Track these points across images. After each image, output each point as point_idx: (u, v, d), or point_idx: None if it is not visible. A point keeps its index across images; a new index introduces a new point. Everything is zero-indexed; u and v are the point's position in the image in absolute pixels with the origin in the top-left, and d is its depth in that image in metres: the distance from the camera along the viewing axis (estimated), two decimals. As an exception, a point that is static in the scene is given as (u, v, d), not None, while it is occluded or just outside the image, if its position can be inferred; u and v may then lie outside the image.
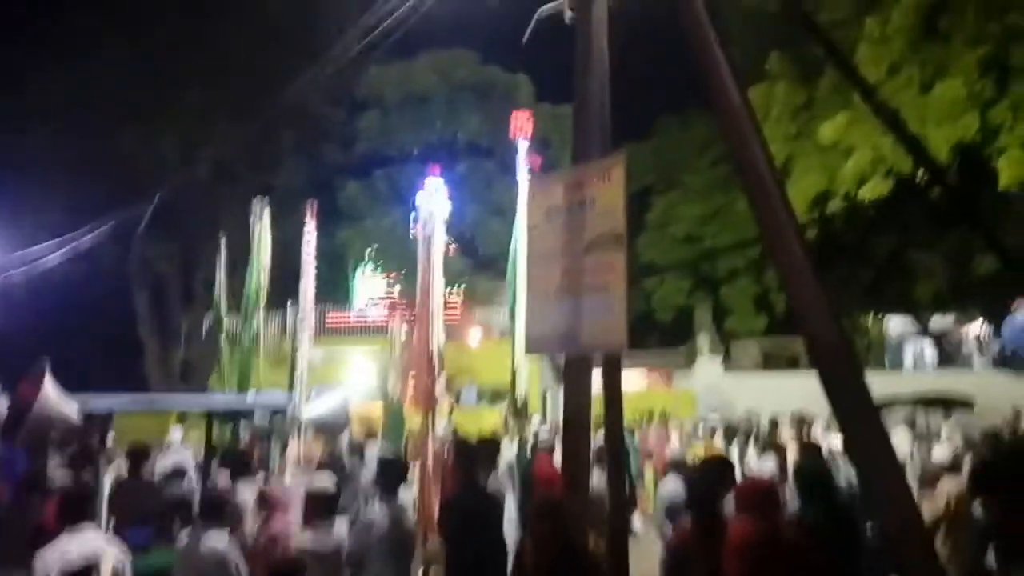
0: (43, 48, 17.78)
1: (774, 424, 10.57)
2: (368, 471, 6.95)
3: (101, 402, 6.77)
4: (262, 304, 10.13)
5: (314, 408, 7.95)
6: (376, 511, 4.61)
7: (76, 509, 4.02)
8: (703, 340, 18.71)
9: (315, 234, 9.78)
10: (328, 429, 7.92)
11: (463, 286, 18.79)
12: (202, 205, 18.16)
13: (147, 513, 5.31)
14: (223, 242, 13.68)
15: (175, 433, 9.41)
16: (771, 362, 18.72)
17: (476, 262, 20.98)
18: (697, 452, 9.27)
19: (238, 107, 17.78)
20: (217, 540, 4.19)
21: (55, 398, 6.02)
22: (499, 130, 19.11)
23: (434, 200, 9.17)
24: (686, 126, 23.59)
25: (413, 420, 10.43)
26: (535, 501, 4.37)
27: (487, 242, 20.93)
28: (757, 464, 7.64)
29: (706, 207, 22.19)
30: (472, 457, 5.23)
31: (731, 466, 4.44)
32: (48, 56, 17.67)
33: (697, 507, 3.94)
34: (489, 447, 5.92)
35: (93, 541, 3.95)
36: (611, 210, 3.65)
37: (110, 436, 7.65)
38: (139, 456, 6.87)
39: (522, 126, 10.28)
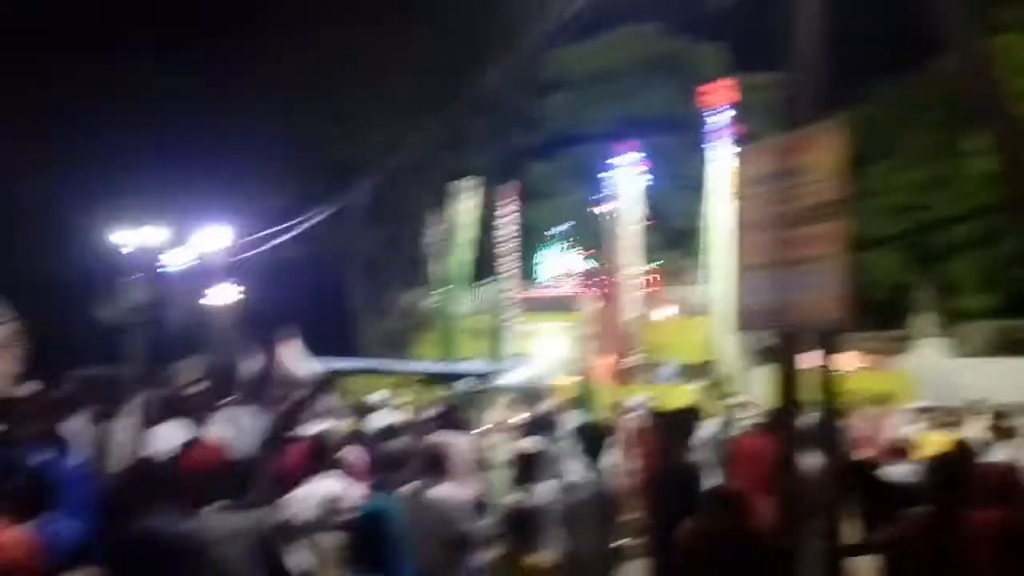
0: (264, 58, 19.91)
1: (1005, 413, 9.52)
2: (566, 439, 7.20)
3: (334, 365, 7.60)
4: (465, 279, 10.74)
5: (514, 376, 8.35)
6: (579, 474, 4.80)
7: (321, 456, 4.59)
8: (923, 321, 17.10)
9: (516, 213, 10.22)
10: (527, 397, 8.28)
11: (655, 262, 18.64)
12: (406, 190, 19.55)
13: (363, 464, 5.88)
14: (426, 223, 14.60)
15: (383, 395, 10.25)
16: (1006, 346, 16.72)
17: (667, 238, 20.68)
18: (920, 440, 8.57)
19: (436, 100, 18.91)
20: (440, 491, 4.58)
21: (298, 360, 6.86)
22: (688, 103, 18.62)
23: (626, 176, 9.14)
24: (902, 88, 21.54)
25: (606, 394, 10.64)
26: (714, 489, 4.30)
27: (678, 217, 20.55)
28: (990, 454, 6.95)
29: (927, 174, 20.14)
30: (669, 429, 5.26)
31: (972, 454, 4.11)
32: (267, 65, 19.79)
33: (934, 496, 3.67)
34: (684, 419, 5.90)
35: (336, 484, 4.48)
36: (829, 177, 3.51)
37: (336, 395, 8.57)
38: (363, 413, 7.66)
39: (722, 96, 9.98)
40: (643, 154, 12.79)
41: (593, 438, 5.06)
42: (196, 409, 8.22)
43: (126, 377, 15.85)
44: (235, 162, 18.77)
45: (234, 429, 7.77)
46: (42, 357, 12.71)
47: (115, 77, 19.32)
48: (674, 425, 5.34)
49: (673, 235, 20.69)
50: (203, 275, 17.91)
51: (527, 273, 20.30)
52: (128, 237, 19.47)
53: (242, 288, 19.97)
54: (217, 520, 3.76)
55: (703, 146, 15.53)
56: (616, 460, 4.93)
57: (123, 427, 7.92)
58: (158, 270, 19.26)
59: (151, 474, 3.99)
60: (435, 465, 4.91)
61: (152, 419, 8.17)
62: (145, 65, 19.53)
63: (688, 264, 20.28)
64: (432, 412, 8.62)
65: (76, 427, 6.55)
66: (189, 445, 5.86)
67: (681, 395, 12.27)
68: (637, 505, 5.54)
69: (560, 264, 21.18)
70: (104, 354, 19.81)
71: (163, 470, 4.11)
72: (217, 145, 18.68)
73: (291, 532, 4.12)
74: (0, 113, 19.32)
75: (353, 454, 6.55)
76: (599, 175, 15.74)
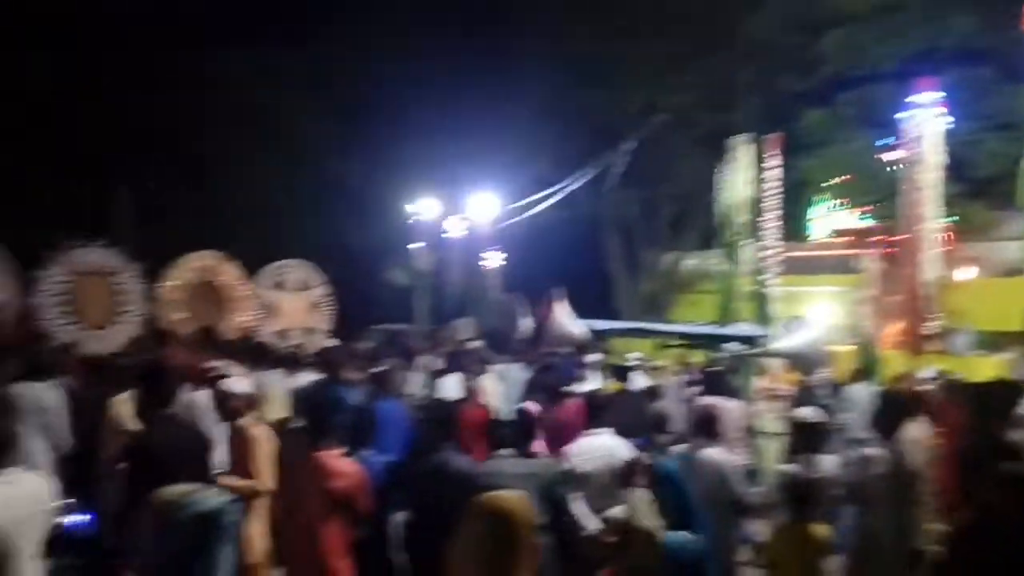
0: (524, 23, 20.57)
1: None
2: (852, 409, 6.70)
3: (600, 326, 7.81)
4: (732, 240, 10.32)
5: (787, 342, 7.90)
6: (874, 448, 4.44)
7: (597, 413, 4.77)
8: None
9: (780, 168, 9.58)
10: (802, 363, 7.80)
11: (952, 216, 16.39)
12: (663, 151, 19.23)
13: (630, 424, 5.97)
14: (689, 183, 14.19)
15: (639, 356, 10.25)
16: None
17: (969, 187, 18.03)
18: None
19: (692, 56, 18.24)
20: (714, 452, 4.55)
21: (565, 320, 7.16)
22: (997, 28, 15.89)
23: (922, 118, 8.08)
24: None
25: (893, 363, 9.64)
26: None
27: (983, 163, 17.80)
28: None
29: None
30: (983, 402, 4.64)
31: None
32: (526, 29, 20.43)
33: None
34: (1003, 391, 5.16)
35: (610, 440, 4.63)
36: None
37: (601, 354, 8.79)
38: (623, 373, 7.79)
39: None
40: (942, 93, 11.17)
41: (890, 410, 4.64)
42: (472, 364, 8.99)
43: (415, 334, 17.80)
44: (502, 132, 19.81)
45: (505, 384, 8.36)
46: (346, 315, 14.72)
47: (409, 59, 21.24)
48: (990, 398, 4.70)
49: (975, 184, 18.00)
50: (476, 241, 19.30)
51: (798, 231, 18.99)
52: (415, 207, 21.63)
53: (506, 254, 21.20)
54: (505, 464, 4.08)
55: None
56: (917, 435, 4.47)
57: (418, 377, 8.92)
58: (439, 237, 21.12)
59: (445, 417, 4.42)
60: (706, 427, 4.87)
61: (437, 372, 9.09)
62: (430, 45, 21.15)
63: (993, 217, 17.57)
64: (696, 375, 8.52)
65: (382, 374, 7.44)
66: (466, 397, 6.41)
67: (986, 366, 10.75)
68: (940, 485, 5.00)
69: (835, 221, 19.49)
70: (396, 313, 22.39)
71: (453, 415, 4.54)
72: (486, 116, 19.85)
73: (575, 481, 4.33)
74: (315, 101, 22.38)
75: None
76: (886, 120, 14.12)
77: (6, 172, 17.79)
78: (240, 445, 4.23)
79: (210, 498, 1.99)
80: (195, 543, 1.92)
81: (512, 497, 2.30)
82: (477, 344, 10.54)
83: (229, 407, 4.36)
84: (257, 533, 4.08)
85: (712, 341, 8.77)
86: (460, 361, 8.66)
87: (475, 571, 2.12)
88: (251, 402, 4.45)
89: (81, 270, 10.65)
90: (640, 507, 3.82)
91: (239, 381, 4.56)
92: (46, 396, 5.53)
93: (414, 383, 8.48)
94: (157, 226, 16.94)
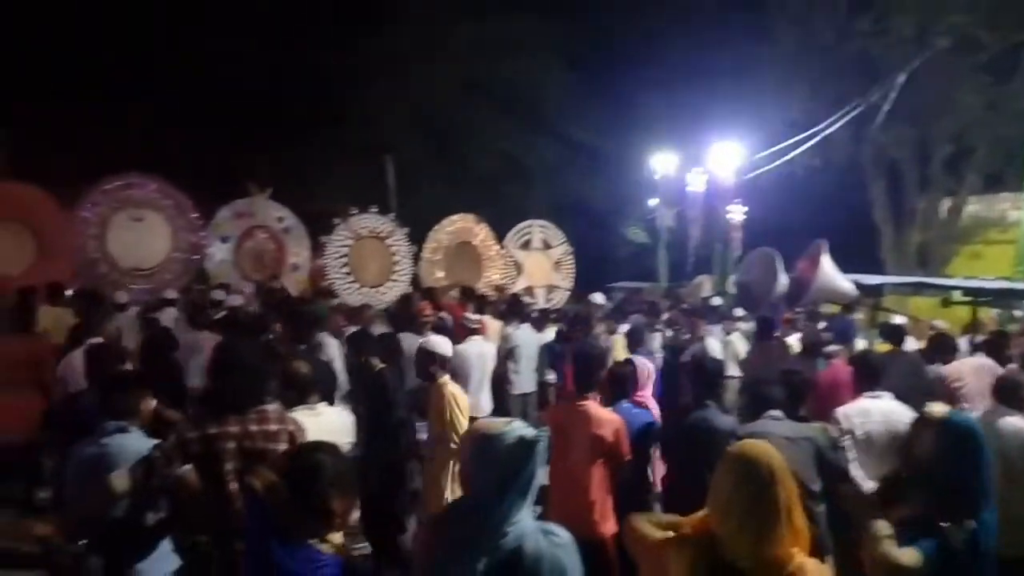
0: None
1: None
2: None
3: (869, 281, 7.16)
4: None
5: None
6: None
7: (870, 374, 4.39)
8: None
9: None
10: None
11: None
12: (939, 81, 16.87)
13: (906, 387, 5.40)
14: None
15: (904, 318, 9.22)
16: None
17: None
18: None
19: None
20: (1013, 421, 4.02)
21: (831, 274, 6.65)
22: None
23: None
24: None
25: None
26: None
27: None
28: None
29: None
30: None
31: None
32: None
33: None
34: None
35: (891, 404, 4.26)
36: None
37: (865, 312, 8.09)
38: (897, 332, 7.06)
39: None
40: None
41: None
42: (719, 321, 8.73)
43: (656, 292, 17.70)
44: (746, 75, 18.69)
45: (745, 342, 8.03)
46: (586, 273, 15.03)
47: (647, 8, 20.78)
48: None
49: None
50: (718, 195, 18.51)
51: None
52: (654, 162, 21.31)
53: (750, 206, 20.13)
54: (772, 425, 3.92)
55: None
56: None
57: (660, 334, 8.88)
58: (679, 191, 20.63)
59: (710, 375, 4.36)
60: (1010, 394, 4.29)
61: (679, 328, 8.95)
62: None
63: None
64: (986, 336, 7.51)
65: (630, 330, 7.50)
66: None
67: None
68: None
69: None
70: (636, 271, 22.42)
71: (718, 373, 4.45)
72: (728, 59, 18.85)
73: (854, 446, 4.08)
74: (555, 65, 22.82)
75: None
76: None
77: (303, 154, 20.38)
78: (437, 401, 4.57)
79: (527, 427, 2.19)
80: (515, 465, 2.11)
81: (764, 444, 2.24)
82: (720, 302, 10.24)
83: (427, 366, 4.66)
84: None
85: (1007, 297, 7.66)
86: (703, 318, 8.47)
87: (735, 520, 2.09)
88: (444, 362, 4.72)
89: (360, 234, 11.95)
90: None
91: (441, 342, 4.86)
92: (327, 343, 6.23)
93: (656, 340, 8.46)
94: (417, 193, 18.46)
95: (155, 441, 3.26)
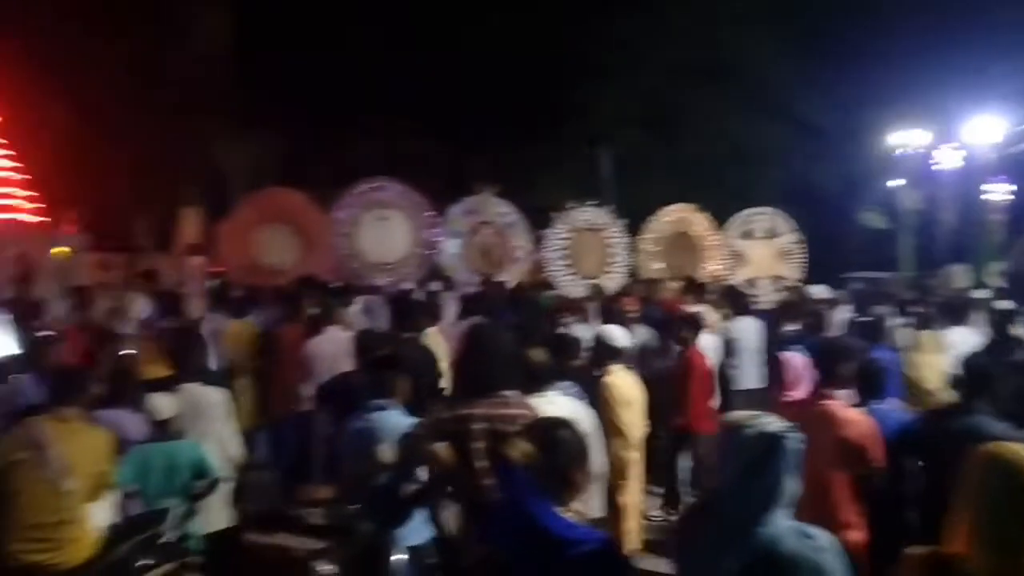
0: None
1: None
2: None
3: None
4: None
5: None
6: None
7: None
8: None
9: None
10: None
11: None
12: None
13: None
14: None
15: None
16: None
17: None
18: None
19: None
20: None
21: None
22: None
23: None
24: None
25: None
26: None
27: None
28: None
29: None
30: None
31: None
32: None
33: None
34: None
35: None
36: None
37: None
38: None
39: None
40: None
41: None
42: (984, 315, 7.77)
43: (900, 282, 16.13)
44: (1010, 35, 16.39)
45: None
46: (817, 263, 14.05)
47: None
48: None
49: None
50: (974, 172, 16.44)
51: None
52: (893, 140, 19.41)
53: (1016, 185, 17.62)
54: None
55: None
56: None
57: (906, 329, 8.11)
58: (927, 170, 18.63)
59: (979, 376, 3.92)
60: None
61: (933, 324, 8.10)
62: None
63: None
64: None
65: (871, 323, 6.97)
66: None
67: None
68: None
69: None
70: (873, 260, 20.54)
71: (983, 371, 3.98)
72: (986, 18, 16.66)
73: None
74: (778, 44, 21.61)
75: None
76: None
77: (525, 151, 21.23)
78: (601, 391, 4.73)
79: (773, 422, 2.17)
80: (756, 461, 2.11)
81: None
82: (985, 294, 9.12)
83: (599, 356, 4.67)
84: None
85: None
86: (961, 311, 7.59)
87: (988, 528, 1.90)
88: (615, 353, 4.73)
89: (578, 227, 12.25)
90: None
91: (615, 333, 4.99)
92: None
93: (903, 335, 7.73)
94: (635, 184, 18.46)
95: (413, 419, 3.67)
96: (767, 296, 11.74)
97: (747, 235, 13.36)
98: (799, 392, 4.81)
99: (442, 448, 3.42)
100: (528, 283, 12.18)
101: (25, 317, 7.42)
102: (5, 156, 10.27)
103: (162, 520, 4.14)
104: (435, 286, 10.06)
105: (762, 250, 13.34)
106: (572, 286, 11.71)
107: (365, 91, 20.99)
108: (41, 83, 12.19)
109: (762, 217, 13.44)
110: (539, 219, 12.74)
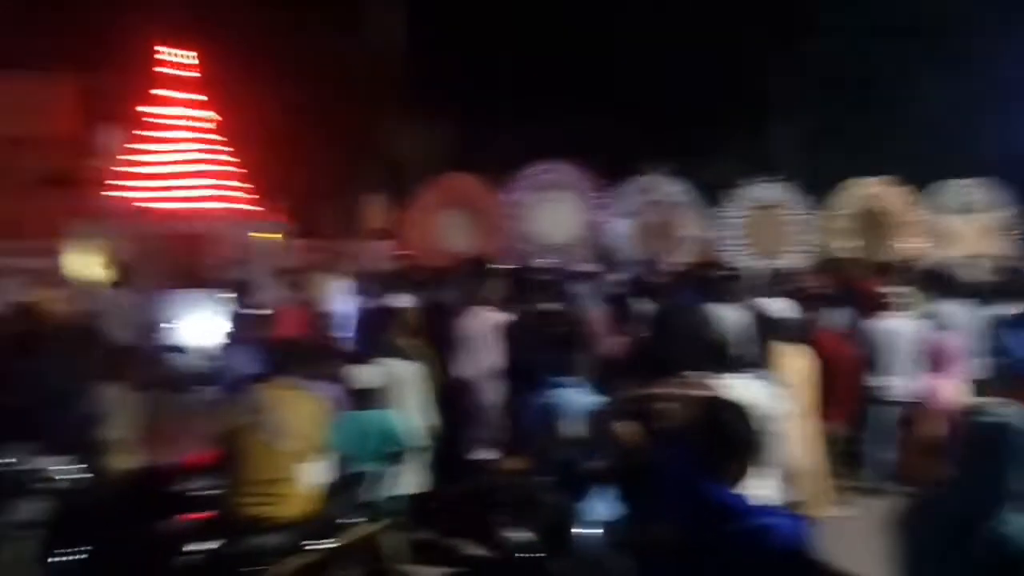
0: None
1: None
2: None
3: None
4: None
5: None
6: None
7: None
8: None
9: None
10: None
11: None
12: None
13: None
14: None
15: None
16: None
17: None
18: None
19: None
20: None
21: None
22: None
23: None
24: None
25: None
26: None
27: None
28: None
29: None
30: None
31: None
32: None
33: None
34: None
35: None
36: None
37: None
38: None
39: None
40: None
41: None
42: None
43: None
44: None
45: None
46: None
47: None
48: None
49: None
50: None
51: None
52: None
53: None
54: None
55: None
56: None
57: None
58: None
59: None
60: None
61: None
62: None
63: None
64: None
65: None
66: None
67: None
68: None
69: None
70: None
71: None
72: None
73: None
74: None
75: None
76: None
77: (697, 129, 20.58)
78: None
79: (1004, 410, 1.99)
80: (985, 453, 1.96)
81: None
82: None
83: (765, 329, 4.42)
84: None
85: None
86: None
87: None
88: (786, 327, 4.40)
89: (755, 205, 11.74)
90: None
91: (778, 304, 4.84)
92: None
93: None
94: (820, 156, 17.30)
95: (597, 397, 3.71)
96: (976, 275, 10.64)
97: (952, 210, 12.18)
98: (953, 377, 4.35)
99: (627, 427, 3.44)
100: (697, 263, 11.87)
101: (242, 296, 8.31)
102: (224, 152, 11.47)
103: (360, 482, 4.48)
104: (601, 267, 10.06)
105: (970, 226, 12.12)
106: (750, 265, 11.28)
107: (536, 73, 21.20)
108: (249, 85, 13.47)
109: (970, 190, 12.19)
110: (713, 197, 12.33)
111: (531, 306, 6.35)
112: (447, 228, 11.05)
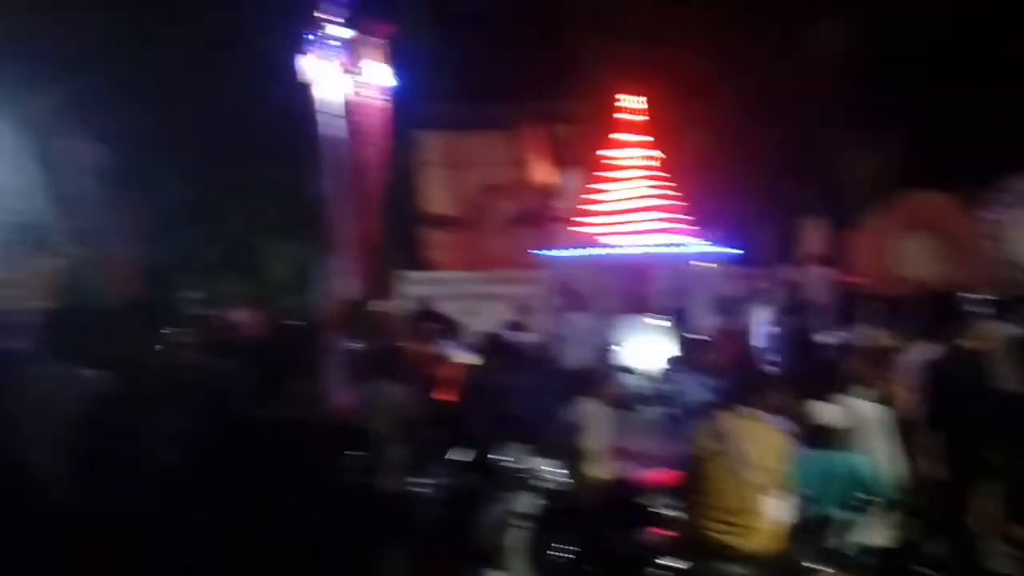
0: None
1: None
2: None
3: None
4: None
5: None
6: None
7: None
8: None
9: None
10: None
11: None
12: None
13: None
14: None
15: None
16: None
17: None
18: None
19: None
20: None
21: None
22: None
23: None
24: None
25: None
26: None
27: None
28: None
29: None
30: None
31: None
32: None
33: None
34: None
35: None
36: None
37: None
38: None
39: None
40: None
41: None
42: None
43: None
44: None
45: None
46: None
47: None
48: None
49: None
50: None
51: None
52: None
53: None
54: None
55: None
56: None
57: None
58: None
59: None
60: None
61: None
62: None
63: None
64: None
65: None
66: None
67: None
68: None
69: None
70: None
71: None
72: None
73: None
74: None
75: None
76: None
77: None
78: None
79: None
80: None
81: None
82: None
83: None
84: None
85: None
86: None
87: None
88: None
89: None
90: None
91: None
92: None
93: None
94: None
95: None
96: None
97: None
98: None
99: None
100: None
101: (681, 323, 8.64)
102: (668, 186, 12.11)
103: (827, 527, 4.26)
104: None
105: None
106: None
107: (1004, 68, 17.73)
108: (688, 117, 13.94)
109: None
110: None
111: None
112: (908, 253, 9.91)
